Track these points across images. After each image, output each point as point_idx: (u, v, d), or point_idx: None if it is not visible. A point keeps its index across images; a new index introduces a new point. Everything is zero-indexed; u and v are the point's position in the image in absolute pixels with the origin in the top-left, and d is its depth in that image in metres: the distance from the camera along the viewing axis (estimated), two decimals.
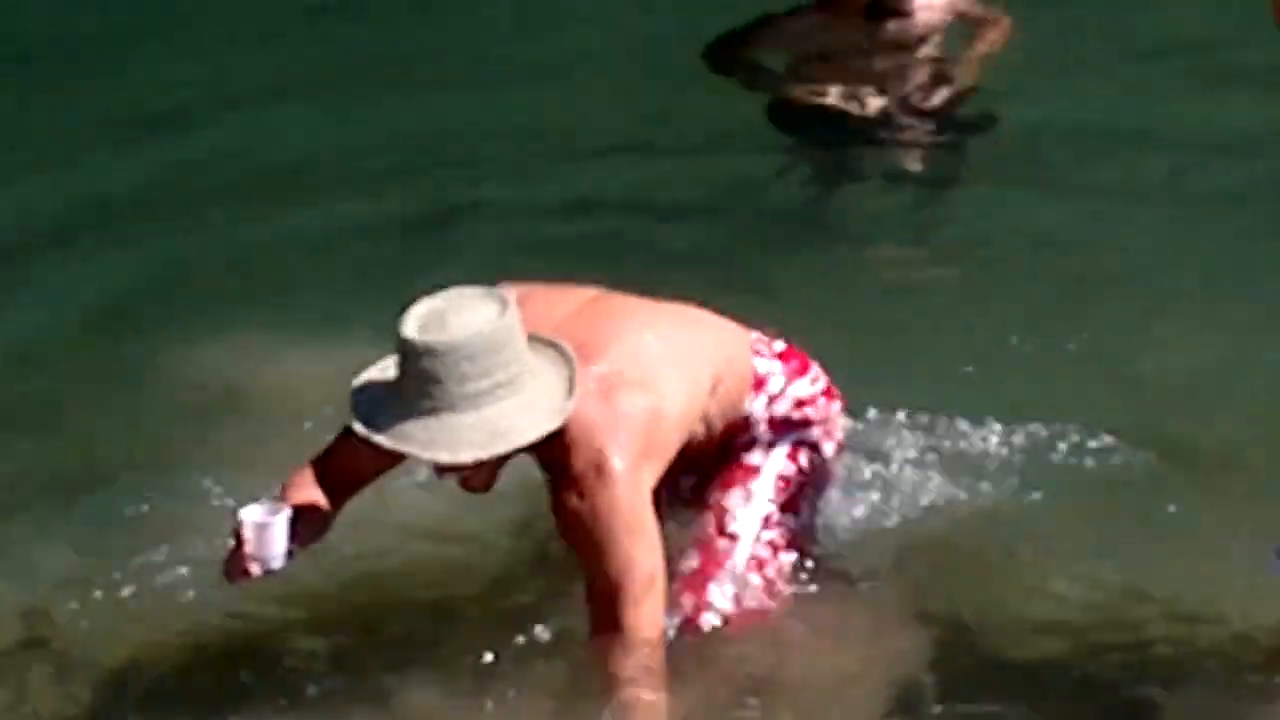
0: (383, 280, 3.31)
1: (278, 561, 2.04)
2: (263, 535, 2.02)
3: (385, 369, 2.01)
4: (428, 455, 1.95)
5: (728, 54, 3.65)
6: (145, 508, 2.72)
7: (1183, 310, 2.89)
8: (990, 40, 3.48)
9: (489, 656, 2.23)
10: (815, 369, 2.32)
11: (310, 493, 2.13)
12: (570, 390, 1.94)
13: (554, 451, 1.97)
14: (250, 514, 2.03)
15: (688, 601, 2.18)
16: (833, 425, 2.34)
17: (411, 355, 1.89)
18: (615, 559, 2.00)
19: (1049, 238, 3.35)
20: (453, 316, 1.92)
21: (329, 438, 2.23)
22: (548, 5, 4.78)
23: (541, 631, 2.24)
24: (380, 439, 1.92)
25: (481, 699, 2.19)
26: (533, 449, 1.99)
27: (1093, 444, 2.64)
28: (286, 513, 2.04)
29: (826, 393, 2.31)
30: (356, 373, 2.14)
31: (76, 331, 3.49)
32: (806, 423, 2.28)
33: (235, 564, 2.05)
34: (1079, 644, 2.28)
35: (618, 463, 2.00)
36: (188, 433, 2.96)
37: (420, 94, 4.44)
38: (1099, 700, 2.15)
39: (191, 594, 2.53)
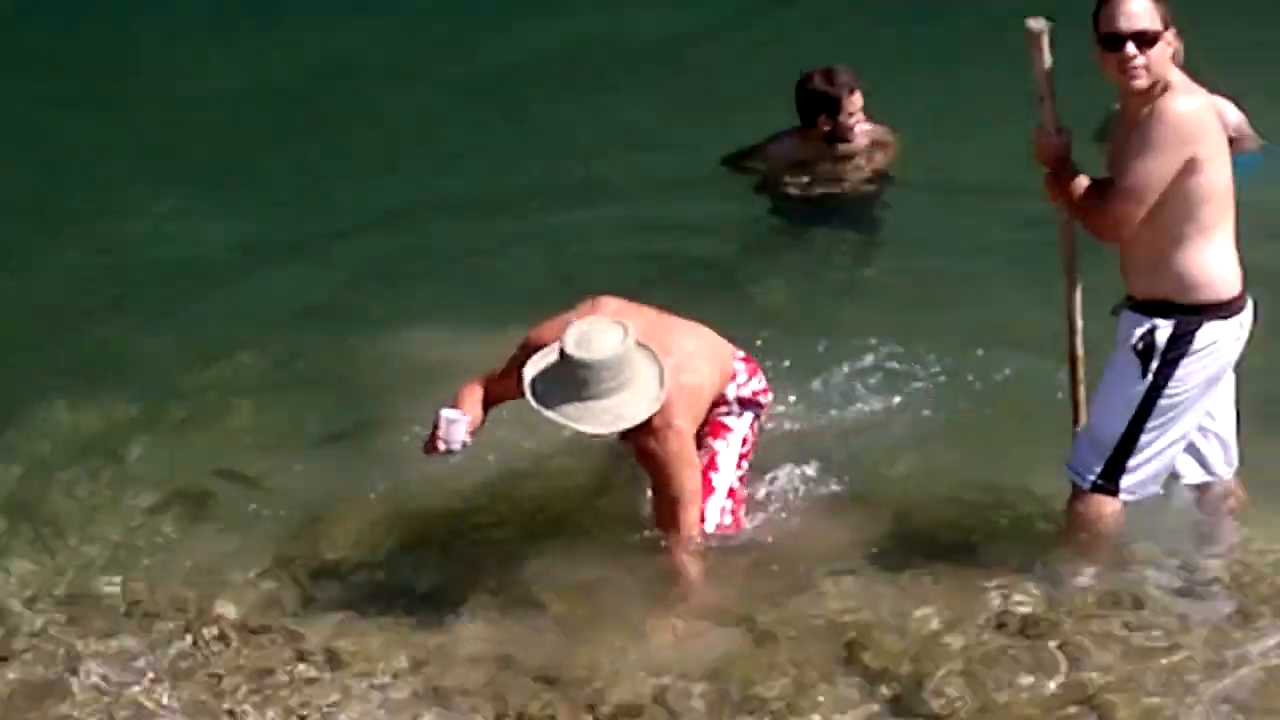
0: (518, 283, 4.89)
1: (457, 445, 3.09)
2: (451, 427, 3.07)
3: (547, 355, 3.00)
4: (576, 427, 2.96)
5: (735, 163, 5.27)
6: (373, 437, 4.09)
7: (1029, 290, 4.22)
8: (892, 151, 5.16)
9: (592, 534, 3.43)
10: (760, 373, 3.36)
11: (475, 405, 3.20)
12: (661, 384, 2.92)
13: None
14: (448, 413, 3.09)
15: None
16: (767, 409, 3.43)
17: (569, 364, 2.89)
18: (675, 482, 3.05)
19: (933, 247, 5.06)
20: (596, 340, 2.89)
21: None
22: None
23: (625, 524, 3.43)
24: (549, 414, 2.93)
25: (583, 561, 3.34)
26: None
27: (977, 377, 4.06)
28: (468, 417, 3.11)
29: (765, 390, 3.36)
30: (499, 346, 3.36)
31: (315, 315, 4.93)
32: (758, 404, 3.32)
33: (431, 444, 3.13)
34: (967, 519, 3.46)
35: (681, 423, 3.01)
36: (396, 382, 4.29)
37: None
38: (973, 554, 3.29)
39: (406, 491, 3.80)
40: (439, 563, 3.53)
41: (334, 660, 3.11)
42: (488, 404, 3.28)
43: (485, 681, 2.99)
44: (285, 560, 3.62)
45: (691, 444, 3.10)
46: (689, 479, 3.09)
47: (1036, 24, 2.88)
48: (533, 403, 2.98)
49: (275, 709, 2.93)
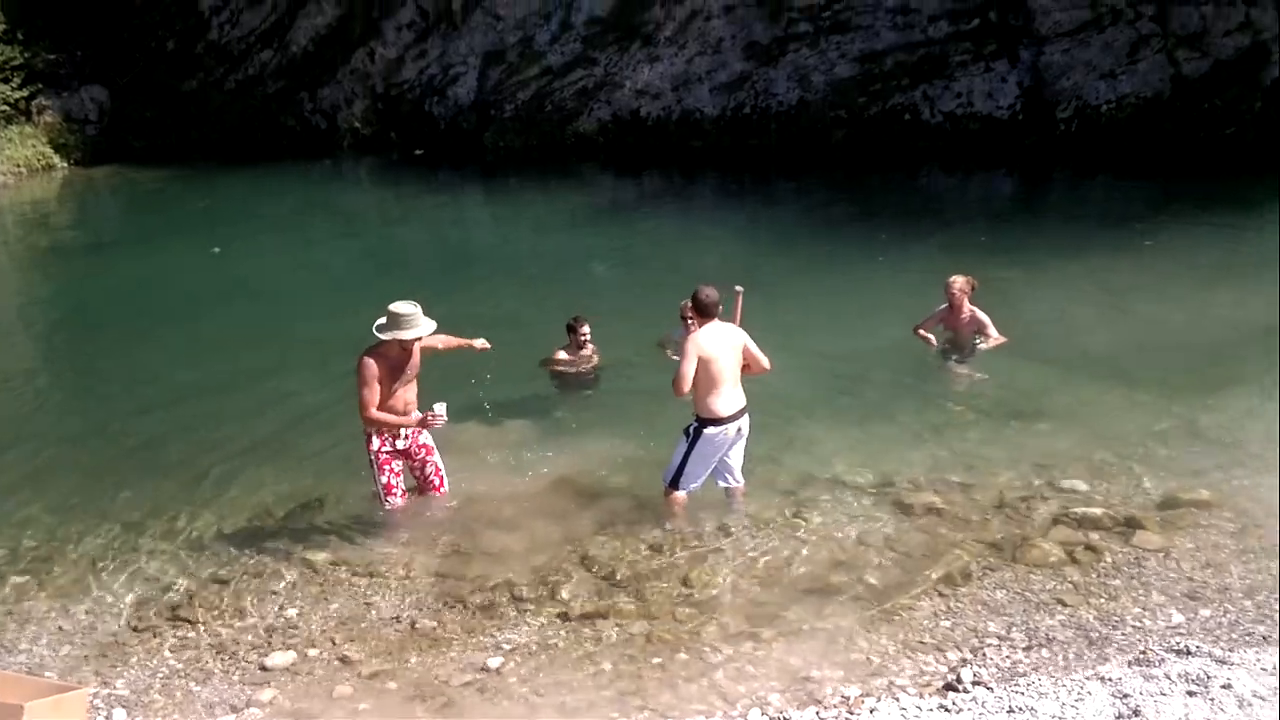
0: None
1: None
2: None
3: (382, 319, 6.64)
4: (409, 335, 6.62)
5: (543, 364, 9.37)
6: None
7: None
8: (599, 356, 9.80)
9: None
10: None
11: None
12: (435, 328, 6.81)
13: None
14: (440, 406, 6.68)
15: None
16: None
17: (395, 314, 6.61)
18: (454, 338, 7.13)
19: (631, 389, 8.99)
20: (405, 305, 6.60)
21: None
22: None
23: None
24: (387, 335, 6.64)
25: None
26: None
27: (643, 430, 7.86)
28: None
29: None
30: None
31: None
32: None
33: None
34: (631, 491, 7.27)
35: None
36: None
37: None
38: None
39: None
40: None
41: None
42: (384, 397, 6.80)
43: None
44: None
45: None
46: (450, 334, 7.07)
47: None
48: (382, 335, 6.63)
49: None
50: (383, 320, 6.65)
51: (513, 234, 18.10)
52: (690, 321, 8.78)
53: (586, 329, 9.52)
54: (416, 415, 6.75)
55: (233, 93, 27.25)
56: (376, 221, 20.37)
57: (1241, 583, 5.97)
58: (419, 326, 6.64)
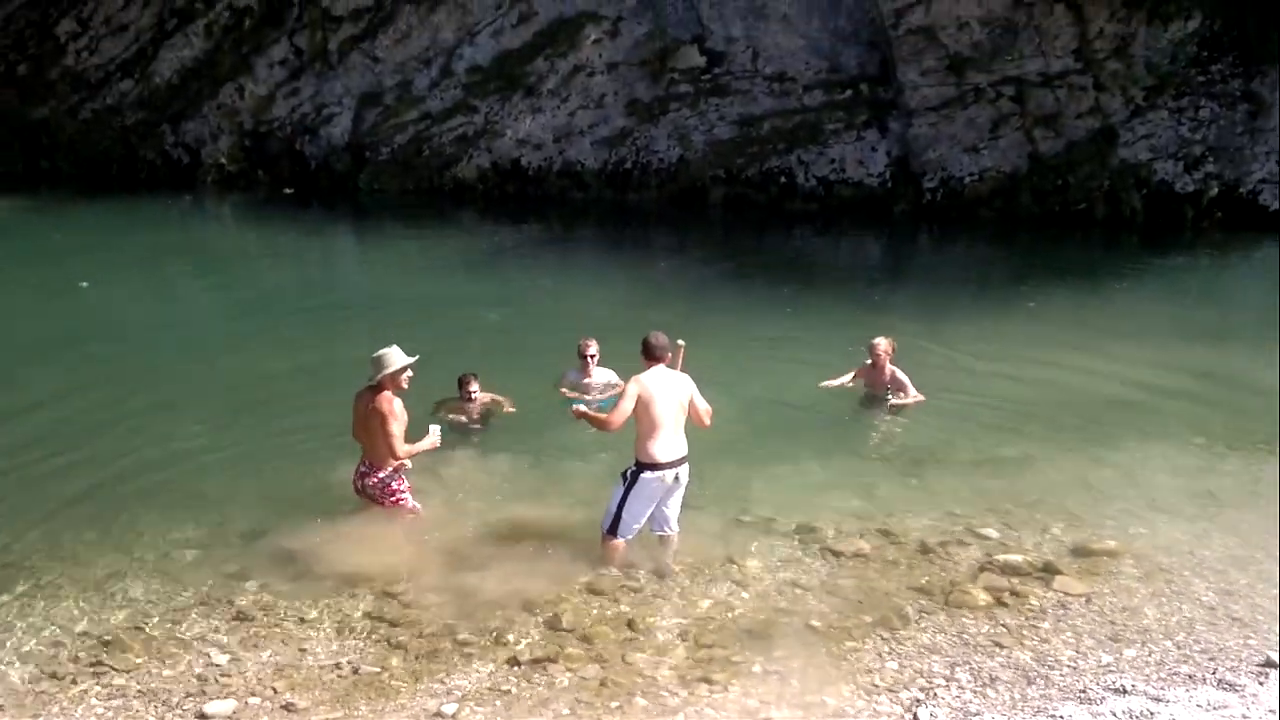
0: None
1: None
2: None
3: (376, 359, 6.95)
4: (399, 365, 6.91)
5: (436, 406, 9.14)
6: None
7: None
8: (489, 401, 9.48)
9: None
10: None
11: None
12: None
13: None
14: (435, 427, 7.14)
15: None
16: None
17: (379, 357, 6.86)
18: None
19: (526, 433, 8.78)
20: (384, 348, 6.87)
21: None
22: None
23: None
24: (392, 369, 6.95)
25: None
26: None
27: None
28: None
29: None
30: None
31: None
32: None
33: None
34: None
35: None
36: None
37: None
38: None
39: None
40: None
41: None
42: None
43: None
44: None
45: None
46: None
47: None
48: (390, 369, 7.01)
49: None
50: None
51: (385, 278, 17.63)
52: (592, 358, 9.41)
53: (475, 385, 9.36)
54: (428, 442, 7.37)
55: (89, 122, 26.03)
56: (241, 261, 19.66)
57: (1159, 624, 6.31)
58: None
